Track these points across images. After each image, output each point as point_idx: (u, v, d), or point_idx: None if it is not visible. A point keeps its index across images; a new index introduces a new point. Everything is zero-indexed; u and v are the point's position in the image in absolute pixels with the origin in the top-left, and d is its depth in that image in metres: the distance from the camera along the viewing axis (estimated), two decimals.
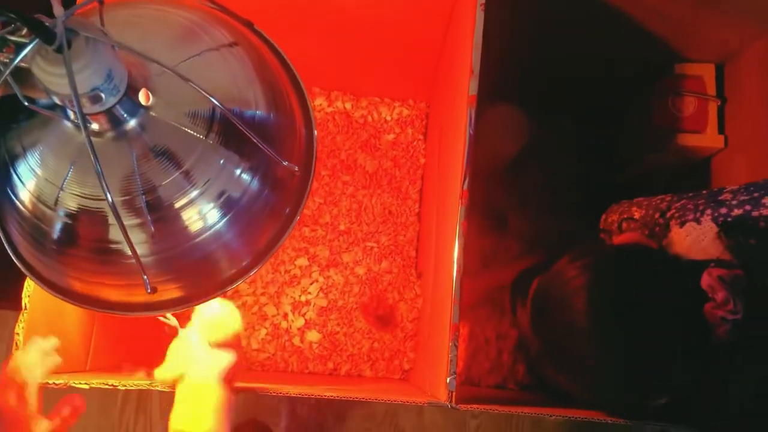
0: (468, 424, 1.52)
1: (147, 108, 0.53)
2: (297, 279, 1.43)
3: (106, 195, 0.48)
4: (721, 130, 1.18)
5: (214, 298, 0.63)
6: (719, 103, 1.18)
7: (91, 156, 0.47)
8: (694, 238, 0.85)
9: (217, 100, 0.50)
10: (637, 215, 1.01)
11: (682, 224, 0.88)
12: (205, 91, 0.51)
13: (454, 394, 0.78)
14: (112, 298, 0.63)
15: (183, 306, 0.63)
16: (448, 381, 0.78)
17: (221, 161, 0.56)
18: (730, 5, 1.07)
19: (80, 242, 0.57)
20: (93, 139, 0.52)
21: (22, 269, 0.62)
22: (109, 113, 0.50)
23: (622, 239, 0.97)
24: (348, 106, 1.50)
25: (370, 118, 1.50)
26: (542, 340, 0.93)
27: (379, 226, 1.45)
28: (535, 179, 1.46)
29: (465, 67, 0.95)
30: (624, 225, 1.04)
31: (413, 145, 1.49)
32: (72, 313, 0.93)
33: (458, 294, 0.81)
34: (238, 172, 0.57)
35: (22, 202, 0.55)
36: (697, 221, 0.86)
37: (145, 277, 0.54)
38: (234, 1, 0.64)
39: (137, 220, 0.55)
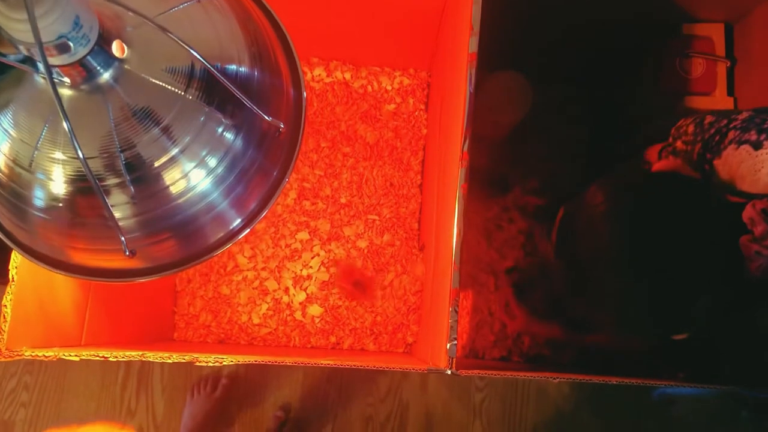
0: (473, 396, 1.50)
1: (122, 61, 0.50)
2: (298, 253, 1.40)
3: (76, 151, 0.46)
4: (731, 92, 1.14)
5: (203, 262, 0.60)
6: (729, 65, 1.14)
7: (59, 109, 0.45)
8: (749, 166, 0.76)
9: (195, 51, 0.48)
10: (688, 133, 0.92)
11: (738, 144, 0.78)
12: (182, 41, 0.48)
13: (454, 360, 0.75)
14: (96, 264, 0.61)
15: (171, 270, 0.60)
16: (448, 347, 0.76)
17: (202, 118, 0.53)
18: None
19: (59, 205, 0.54)
20: (65, 93, 0.50)
21: (2, 237, 0.60)
22: (81, 65, 0.48)
23: (658, 167, 0.92)
24: (347, 76, 1.47)
25: (370, 88, 1.46)
26: (566, 268, 0.89)
27: (381, 198, 1.43)
28: (538, 149, 1.43)
29: (465, 26, 0.92)
30: (663, 153, 0.98)
31: (415, 115, 1.46)
32: (64, 287, 0.91)
33: (458, 258, 0.79)
34: (220, 129, 0.55)
35: None
36: (757, 145, 0.77)
37: (123, 238, 0.52)
38: None
39: (116, 180, 0.52)
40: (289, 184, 1.41)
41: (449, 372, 0.76)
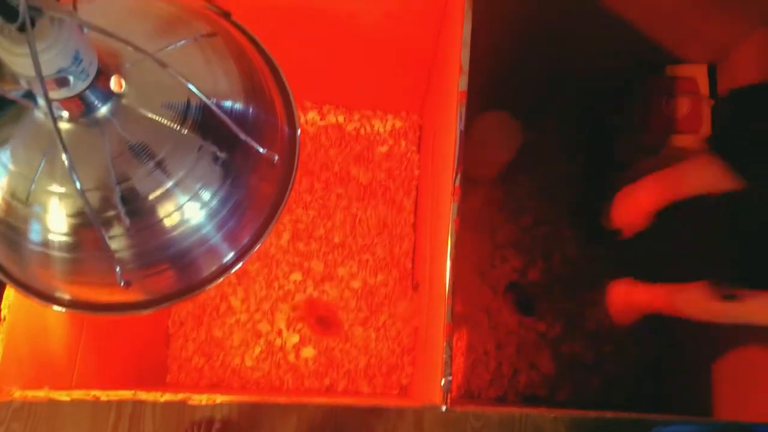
0: None
1: (119, 96, 0.51)
2: (291, 294, 1.40)
3: (74, 183, 0.46)
4: None
5: (196, 295, 0.60)
6: (713, 103, 1.17)
7: (58, 141, 0.45)
8: None
9: (192, 86, 0.49)
10: None
11: None
12: (180, 76, 0.50)
13: (449, 396, 0.75)
14: (92, 298, 0.61)
15: (164, 304, 0.60)
16: (442, 383, 0.75)
17: (197, 152, 0.54)
18: (718, 4, 1.06)
19: (56, 238, 0.55)
20: (64, 126, 0.51)
21: None
22: (80, 99, 0.49)
23: None
24: (340, 119, 1.49)
25: (363, 131, 1.49)
26: None
27: (375, 238, 1.44)
28: (529, 186, 1.44)
29: (455, 66, 0.94)
30: None
31: (407, 156, 1.48)
32: (56, 328, 0.91)
33: (452, 292, 0.79)
34: (215, 164, 0.56)
35: None
36: None
37: (118, 268, 0.52)
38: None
39: (111, 212, 0.53)
40: (283, 225, 1.42)
41: (444, 408, 0.76)
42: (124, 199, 0.53)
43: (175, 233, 0.56)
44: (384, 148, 1.48)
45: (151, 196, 0.54)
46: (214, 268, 0.62)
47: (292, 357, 1.37)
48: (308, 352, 1.37)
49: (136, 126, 0.52)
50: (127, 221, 0.53)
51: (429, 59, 1.27)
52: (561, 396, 1.33)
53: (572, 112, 1.41)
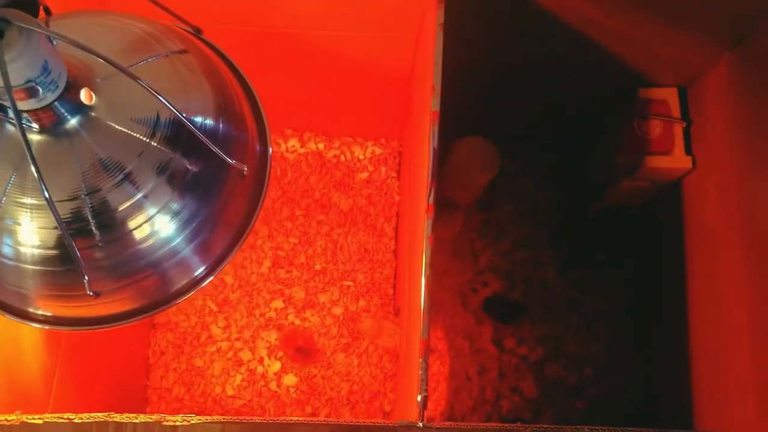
0: None
1: (89, 108, 0.52)
2: (273, 322, 1.40)
3: (43, 192, 0.47)
4: (689, 151, 1.19)
5: (166, 309, 0.60)
6: (684, 125, 1.19)
7: (27, 152, 0.46)
8: None
9: (163, 98, 0.50)
10: None
11: None
12: (151, 89, 0.51)
13: (425, 412, 0.74)
14: (65, 313, 0.61)
15: (133, 318, 0.60)
16: (419, 399, 0.75)
17: (165, 165, 0.55)
18: (688, 31, 1.09)
19: (28, 251, 0.55)
20: (34, 138, 0.51)
21: None
22: (49, 111, 0.50)
23: None
24: (321, 146, 1.50)
25: (343, 158, 1.50)
26: None
27: (356, 264, 1.44)
28: (508, 211, 1.46)
29: (428, 88, 0.96)
30: None
31: (387, 183, 1.49)
32: (32, 352, 0.90)
33: (427, 309, 0.79)
34: (184, 176, 0.56)
35: None
36: None
37: (86, 277, 0.52)
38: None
39: (81, 224, 0.53)
40: (264, 252, 1.42)
41: (420, 425, 0.75)
42: (94, 211, 0.53)
43: (145, 245, 0.56)
44: (364, 175, 1.49)
45: (121, 208, 0.54)
46: (185, 281, 0.62)
47: (273, 385, 1.36)
48: (290, 379, 1.36)
49: (106, 138, 0.53)
50: (97, 233, 0.54)
51: (405, 85, 1.29)
52: (545, 420, 1.32)
53: (548, 136, 1.43)
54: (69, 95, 0.50)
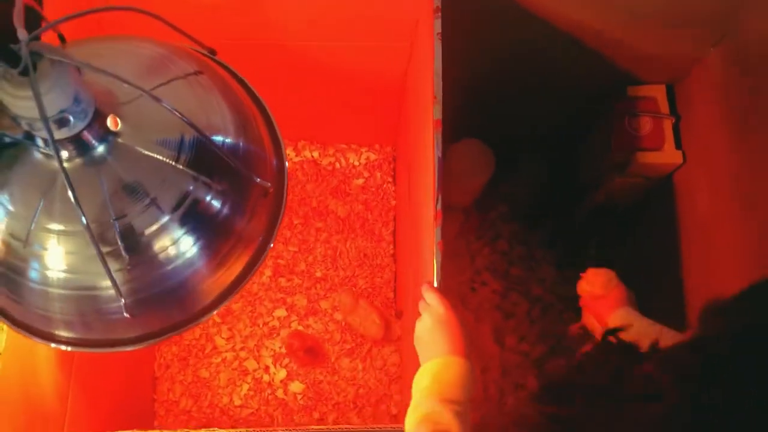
0: None
1: (116, 134, 0.53)
2: (276, 330, 1.41)
3: (80, 218, 0.48)
4: (678, 146, 1.22)
5: (194, 326, 0.62)
6: (674, 120, 1.22)
7: (64, 180, 0.47)
8: None
9: (188, 120, 0.51)
10: None
11: None
12: (176, 111, 0.52)
13: None
14: (92, 336, 0.62)
15: (162, 337, 0.61)
16: None
17: (191, 187, 0.56)
18: (674, 30, 1.12)
19: (55, 276, 0.56)
20: (64, 165, 0.52)
21: None
22: (78, 139, 0.51)
23: None
24: (315, 154, 1.52)
25: (338, 165, 1.51)
26: None
27: (356, 269, 1.45)
28: (503, 212, 1.48)
29: (427, 96, 0.97)
30: None
31: (383, 187, 1.51)
32: (47, 372, 0.90)
33: None
34: (209, 197, 0.57)
35: None
36: None
37: (123, 301, 0.53)
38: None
39: (109, 248, 0.54)
40: (264, 261, 1.42)
41: None
42: (123, 235, 0.54)
43: (172, 266, 0.57)
44: (360, 181, 1.51)
45: (148, 231, 0.55)
46: (210, 299, 0.63)
47: (280, 392, 1.37)
48: (296, 386, 1.37)
49: (133, 163, 0.54)
50: (126, 256, 0.55)
51: (399, 91, 1.31)
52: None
53: (540, 137, 1.45)
54: (96, 122, 0.51)
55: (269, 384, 1.37)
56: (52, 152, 0.51)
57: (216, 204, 0.58)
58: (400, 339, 1.39)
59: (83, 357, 1.00)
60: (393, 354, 1.40)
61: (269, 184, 0.60)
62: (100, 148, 0.53)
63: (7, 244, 0.55)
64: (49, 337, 0.63)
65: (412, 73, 1.18)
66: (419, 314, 0.85)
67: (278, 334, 1.40)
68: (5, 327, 0.77)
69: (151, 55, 0.60)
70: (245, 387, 1.37)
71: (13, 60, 0.44)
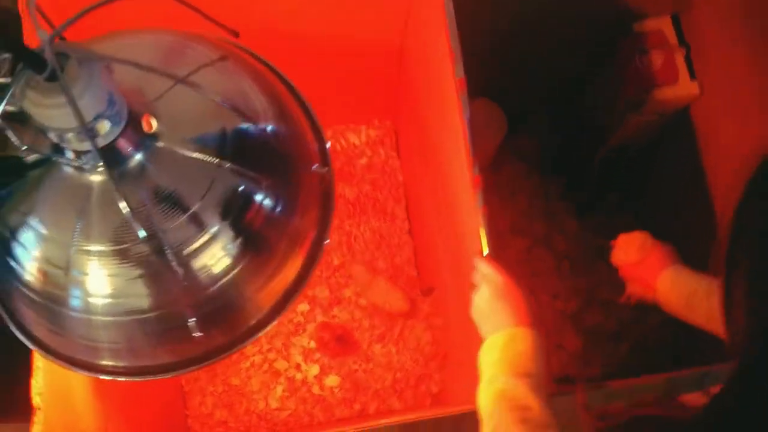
0: None
1: (152, 136, 0.47)
2: (302, 326, 1.35)
3: (138, 231, 0.42)
4: (693, 76, 1.18)
5: (259, 335, 0.56)
6: (685, 51, 1.18)
7: (115, 192, 0.41)
8: None
9: (234, 107, 0.45)
10: None
11: None
12: (216, 96, 0.46)
13: None
14: (144, 362, 0.56)
15: (224, 354, 0.56)
16: None
17: (242, 186, 0.50)
18: None
19: (95, 303, 0.50)
20: (97, 179, 0.46)
21: (31, 345, 0.55)
22: (113, 146, 0.45)
23: None
24: None
25: (338, 146, 1.45)
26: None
27: (373, 252, 1.40)
28: (519, 168, 1.44)
29: (435, 60, 0.92)
30: None
31: (388, 164, 1.45)
32: (85, 403, 0.84)
33: None
34: (261, 194, 0.51)
35: (30, 274, 0.49)
36: None
37: (192, 320, 0.48)
38: None
39: (158, 265, 0.48)
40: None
41: None
42: (173, 249, 0.48)
43: (230, 276, 0.51)
44: (364, 160, 1.45)
45: (199, 242, 0.49)
46: (269, 307, 0.57)
47: (316, 389, 1.32)
48: (332, 380, 1.32)
49: (175, 167, 0.48)
50: (179, 270, 0.49)
51: (395, 62, 1.25)
52: (594, 371, 1.32)
53: (548, 89, 1.40)
54: (130, 126, 0.45)
55: (303, 382, 1.32)
56: (86, 164, 0.45)
57: (270, 201, 0.52)
58: (431, 315, 1.35)
59: (120, 385, 0.94)
60: (425, 332, 1.36)
61: (327, 168, 0.54)
62: (138, 155, 0.46)
63: (45, 273, 0.49)
64: (92, 368, 0.57)
65: (411, 40, 1.13)
66: (473, 288, 0.80)
67: (304, 330, 1.35)
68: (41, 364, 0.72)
69: (170, 45, 0.54)
70: (279, 389, 1.32)
71: (37, 65, 0.38)
